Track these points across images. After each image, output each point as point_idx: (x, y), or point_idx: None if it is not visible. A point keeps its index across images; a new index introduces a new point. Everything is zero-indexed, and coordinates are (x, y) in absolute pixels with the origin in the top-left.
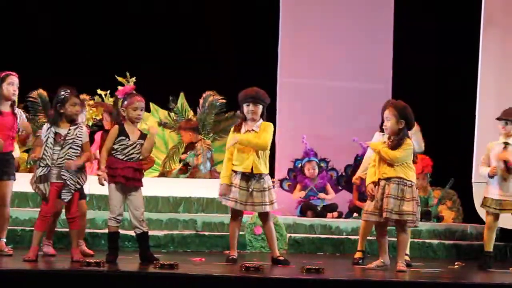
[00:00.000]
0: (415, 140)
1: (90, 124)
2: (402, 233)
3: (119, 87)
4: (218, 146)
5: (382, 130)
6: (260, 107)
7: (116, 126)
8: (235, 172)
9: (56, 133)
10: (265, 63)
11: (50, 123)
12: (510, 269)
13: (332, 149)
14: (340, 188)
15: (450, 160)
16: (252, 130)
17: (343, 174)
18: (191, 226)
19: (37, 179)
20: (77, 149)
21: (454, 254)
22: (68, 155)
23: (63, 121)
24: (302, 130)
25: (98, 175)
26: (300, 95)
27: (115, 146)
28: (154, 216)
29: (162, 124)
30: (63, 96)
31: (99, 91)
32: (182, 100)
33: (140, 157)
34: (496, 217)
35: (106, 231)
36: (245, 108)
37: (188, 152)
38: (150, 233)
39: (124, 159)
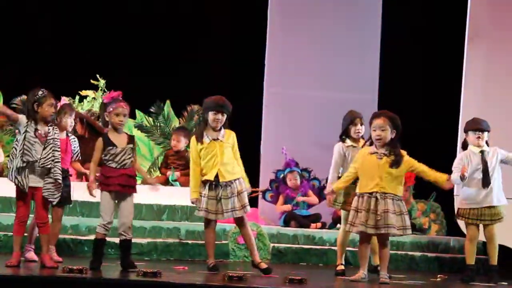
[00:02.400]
0: None
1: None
2: (385, 246)
3: (83, 92)
4: None
5: (343, 141)
6: (225, 117)
7: (100, 138)
8: (203, 182)
9: (35, 129)
10: (252, 73)
11: (29, 119)
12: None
13: (317, 157)
14: (323, 198)
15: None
16: (218, 139)
17: (325, 185)
18: (175, 234)
19: (16, 171)
20: (59, 151)
21: (437, 266)
22: (54, 157)
23: (39, 121)
24: (287, 140)
25: (88, 187)
26: (286, 105)
27: (106, 157)
28: (137, 223)
29: (137, 127)
30: (41, 95)
31: (64, 98)
32: (168, 108)
33: (132, 163)
34: (477, 228)
35: (90, 237)
36: (212, 116)
37: (170, 170)
38: (134, 240)
39: (118, 167)
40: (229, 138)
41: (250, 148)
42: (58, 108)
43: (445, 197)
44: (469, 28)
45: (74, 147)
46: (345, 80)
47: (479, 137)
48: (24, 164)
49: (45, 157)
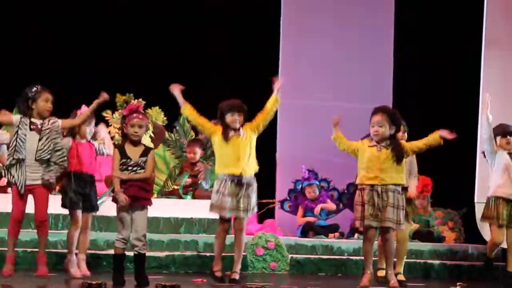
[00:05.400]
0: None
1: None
2: (388, 239)
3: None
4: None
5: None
6: (242, 117)
7: (116, 150)
8: (221, 179)
9: (30, 123)
10: (265, 84)
11: (22, 114)
12: None
13: (334, 168)
14: (342, 206)
15: (451, 180)
16: (240, 136)
17: (345, 191)
18: (193, 247)
19: (10, 168)
20: (58, 143)
21: (456, 275)
22: (55, 145)
23: (34, 116)
24: (302, 150)
25: (117, 196)
26: (300, 115)
27: (120, 167)
28: (155, 237)
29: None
30: (35, 91)
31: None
32: (184, 122)
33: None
34: (503, 231)
35: (108, 252)
36: (230, 117)
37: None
38: (152, 254)
39: (128, 178)
40: (247, 132)
41: (265, 159)
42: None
43: (465, 204)
44: (486, 35)
45: (100, 149)
46: (359, 90)
47: (508, 142)
48: (14, 162)
49: (41, 149)
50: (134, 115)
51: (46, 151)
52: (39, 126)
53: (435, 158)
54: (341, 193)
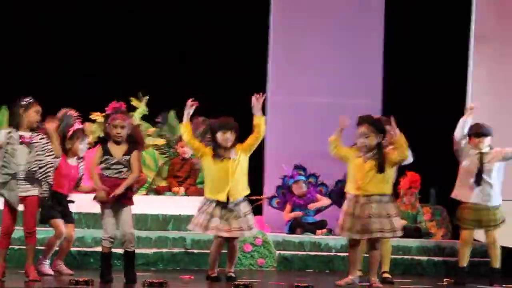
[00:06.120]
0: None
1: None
2: (374, 248)
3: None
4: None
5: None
6: (234, 136)
7: (100, 146)
8: (208, 200)
9: (20, 136)
10: (255, 81)
11: (11, 126)
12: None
13: (322, 164)
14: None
15: (439, 177)
16: (230, 158)
17: (334, 188)
18: (180, 244)
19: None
20: (43, 158)
21: (443, 271)
22: (40, 161)
23: (24, 128)
24: (292, 147)
25: (97, 192)
26: (290, 111)
27: (102, 165)
28: (143, 234)
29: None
30: (27, 102)
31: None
32: (172, 119)
33: (124, 175)
34: (472, 232)
35: (95, 249)
36: (221, 136)
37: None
38: (139, 251)
39: (112, 175)
40: (238, 154)
41: (254, 157)
42: (70, 132)
43: (452, 200)
44: (475, 31)
45: (80, 172)
46: (348, 86)
47: (480, 142)
48: (5, 179)
49: (30, 161)
50: (116, 115)
51: (34, 163)
52: (28, 140)
53: (423, 154)
54: (331, 190)
